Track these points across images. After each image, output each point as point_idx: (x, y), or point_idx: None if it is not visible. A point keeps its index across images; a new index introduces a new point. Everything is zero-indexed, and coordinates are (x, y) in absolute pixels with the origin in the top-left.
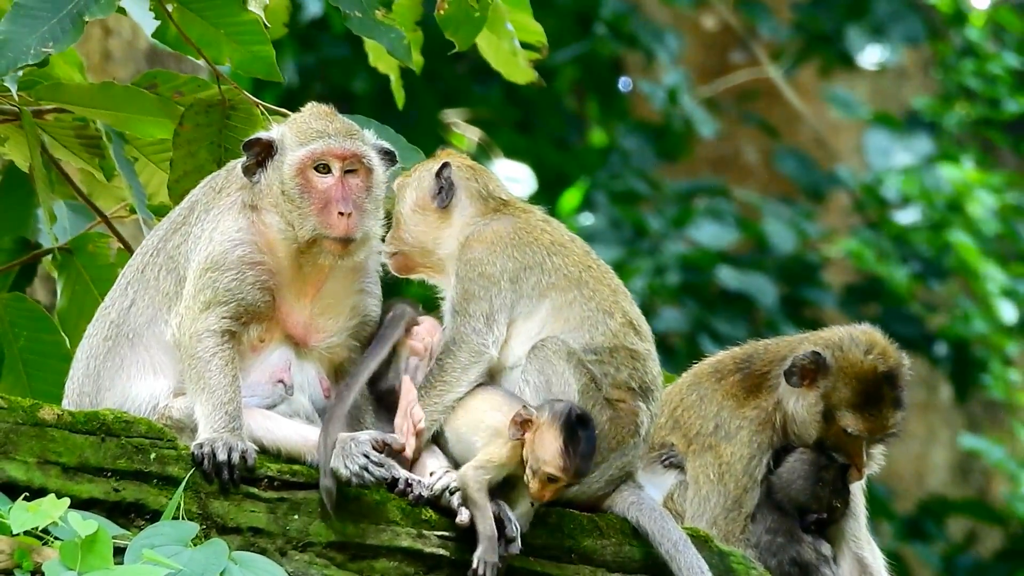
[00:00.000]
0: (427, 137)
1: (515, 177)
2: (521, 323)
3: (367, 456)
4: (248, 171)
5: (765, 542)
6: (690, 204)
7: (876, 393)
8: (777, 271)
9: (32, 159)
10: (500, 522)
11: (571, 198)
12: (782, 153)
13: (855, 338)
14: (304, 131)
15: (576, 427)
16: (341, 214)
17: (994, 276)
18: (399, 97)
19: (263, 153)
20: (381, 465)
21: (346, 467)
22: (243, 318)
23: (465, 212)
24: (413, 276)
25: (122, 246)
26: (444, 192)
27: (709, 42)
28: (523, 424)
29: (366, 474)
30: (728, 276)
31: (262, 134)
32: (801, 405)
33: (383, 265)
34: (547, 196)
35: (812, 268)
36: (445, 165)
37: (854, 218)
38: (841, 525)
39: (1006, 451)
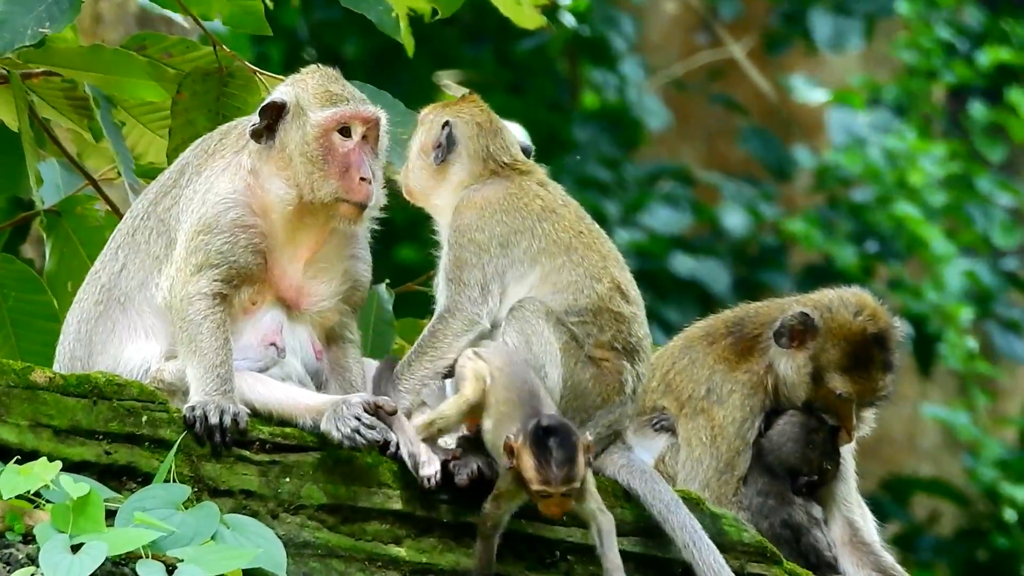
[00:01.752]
0: (419, 99)
1: None
2: (511, 288)
3: (359, 419)
4: (256, 135)
5: (756, 504)
6: (650, 189)
7: (865, 355)
8: (732, 254)
9: (20, 121)
10: (493, 482)
11: None
12: (747, 133)
13: (845, 300)
14: (323, 93)
15: (544, 439)
16: (363, 179)
17: (941, 246)
18: (408, 45)
19: (274, 117)
20: (373, 428)
21: (338, 430)
22: (235, 281)
23: (462, 170)
24: (420, 206)
25: (110, 209)
26: (443, 149)
27: (673, 24)
28: (509, 452)
29: (358, 437)
30: (680, 263)
31: (275, 98)
32: (791, 367)
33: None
34: (541, 159)
35: (769, 250)
36: (448, 123)
37: (818, 197)
38: (832, 488)
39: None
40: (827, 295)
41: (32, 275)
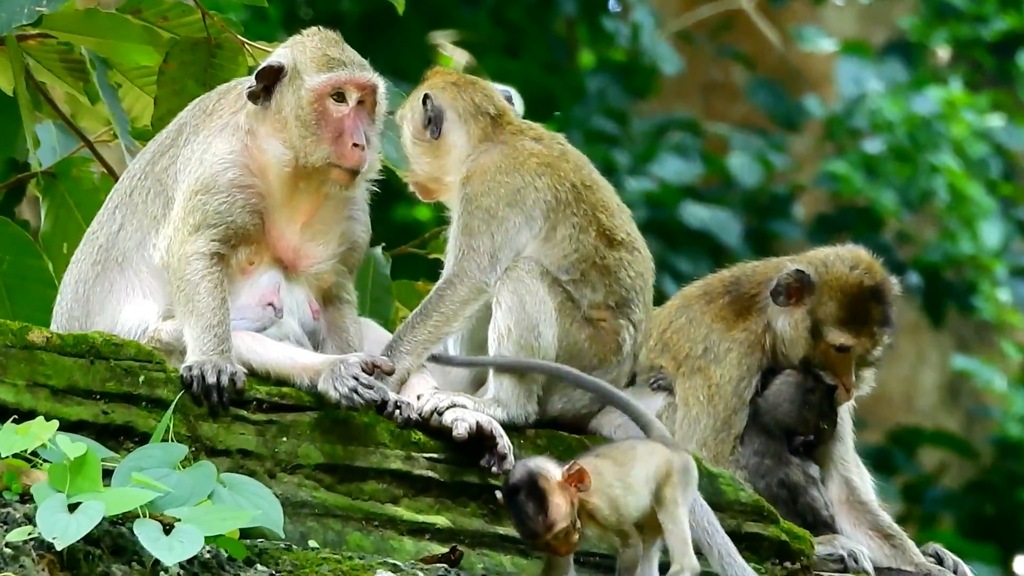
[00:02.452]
0: (415, 59)
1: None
2: (530, 247)
3: (356, 378)
4: (253, 96)
5: (753, 464)
6: (658, 140)
7: (863, 308)
8: (743, 204)
9: (16, 83)
10: (492, 438)
11: None
12: (755, 84)
13: (840, 255)
14: (320, 58)
15: (509, 500)
16: (356, 145)
17: (980, 199)
18: (399, 4)
19: (271, 79)
20: (370, 387)
21: (335, 389)
22: (232, 241)
23: (460, 135)
24: (439, 200)
25: (106, 171)
26: (433, 122)
27: None
28: None
29: (356, 396)
30: (691, 213)
31: (272, 61)
32: (788, 324)
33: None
34: (535, 120)
35: (780, 200)
36: (426, 96)
37: (827, 148)
38: (829, 448)
39: (998, 371)
40: (822, 252)
41: (27, 239)
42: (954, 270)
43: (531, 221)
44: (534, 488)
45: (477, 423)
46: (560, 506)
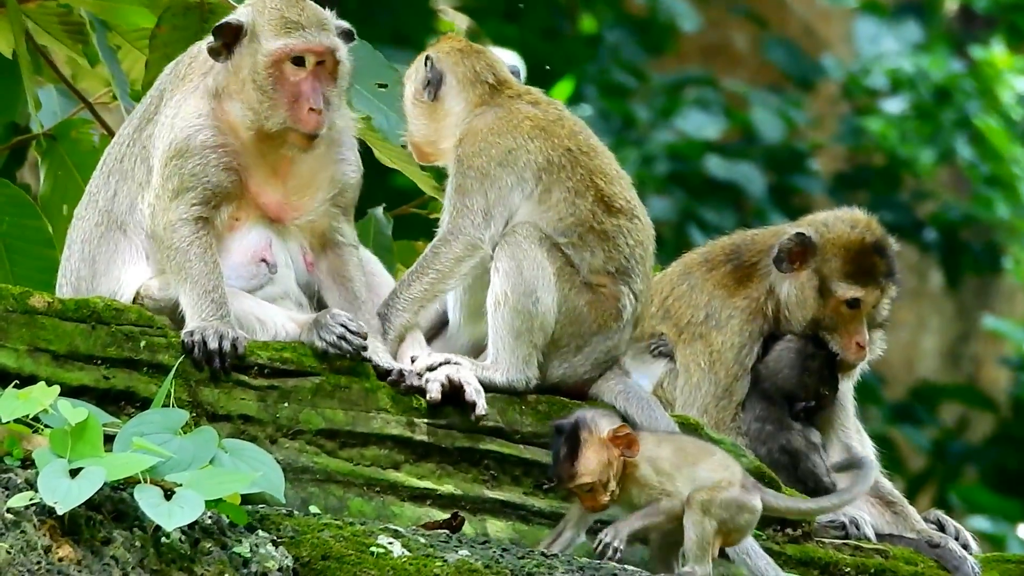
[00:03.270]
0: (416, 23)
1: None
2: (523, 209)
3: (344, 326)
4: (214, 52)
5: (754, 430)
6: (678, 95)
7: (868, 261)
8: (765, 159)
9: (17, 45)
10: (460, 389)
11: (561, 91)
12: (771, 42)
13: (838, 216)
14: (277, 20)
15: (553, 439)
16: (312, 110)
17: (1021, 159)
18: None
19: (231, 37)
20: (359, 334)
21: (320, 339)
22: (212, 202)
23: (457, 99)
24: (435, 163)
25: (106, 132)
26: (432, 84)
27: None
28: None
29: (343, 343)
30: (716, 165)
31: (231, 19)
32: (795, 287)
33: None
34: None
35: (800, 156)
36: (428, 58)
37: (841, 107)
38: (830, 414)
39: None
40: (820, 215)
41: (27, 200)
42: (973, 230)
43: (523, 182)
44: (573, 435)
45: (447, 377)
46: (592, 460)
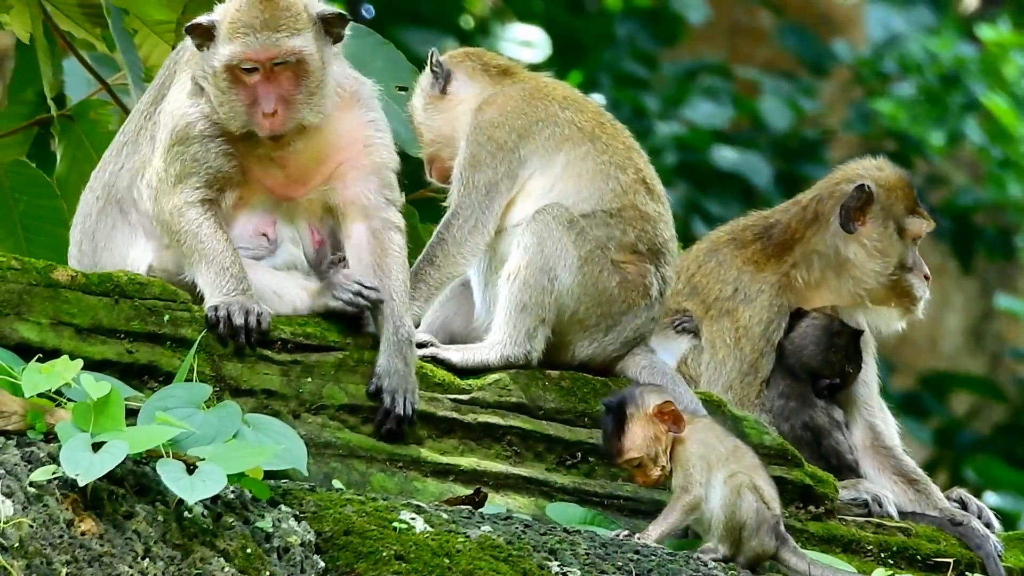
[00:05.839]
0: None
1: (530, 41)
2: (535, 180)
3: (360, 283)
4: (196, 47)
5: (778, 407)
6: (689, 84)
7: (916, 193)
8: (773, 148)
9: (34, 29)
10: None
11: (573, 79)
12: (784, 28)
13: (873, 163)
14: (232, 25)
15: (604, 414)
16: (266, 115)
17: None
18: None
19: (204, 37)
20: (375, 289)
21: (336, 298)
22: (215, 185)
23: (469, 87)
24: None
25: (124, 113)
26: (439, 75)
27: None
28: None
29: (359, 299)
30: (722, 156)
31: (202, 18)
32: (868, 241)
33: None
34: (561, 61)
35: (810, 144)
36: (432, 54)
37: (855, 93)
38: (853, 392)
39: None
40: (848, 170)
41: (44, 180)
42: (985, 214)
43: (542, 153)
44: (619, 411)
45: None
46: (637, 436)
